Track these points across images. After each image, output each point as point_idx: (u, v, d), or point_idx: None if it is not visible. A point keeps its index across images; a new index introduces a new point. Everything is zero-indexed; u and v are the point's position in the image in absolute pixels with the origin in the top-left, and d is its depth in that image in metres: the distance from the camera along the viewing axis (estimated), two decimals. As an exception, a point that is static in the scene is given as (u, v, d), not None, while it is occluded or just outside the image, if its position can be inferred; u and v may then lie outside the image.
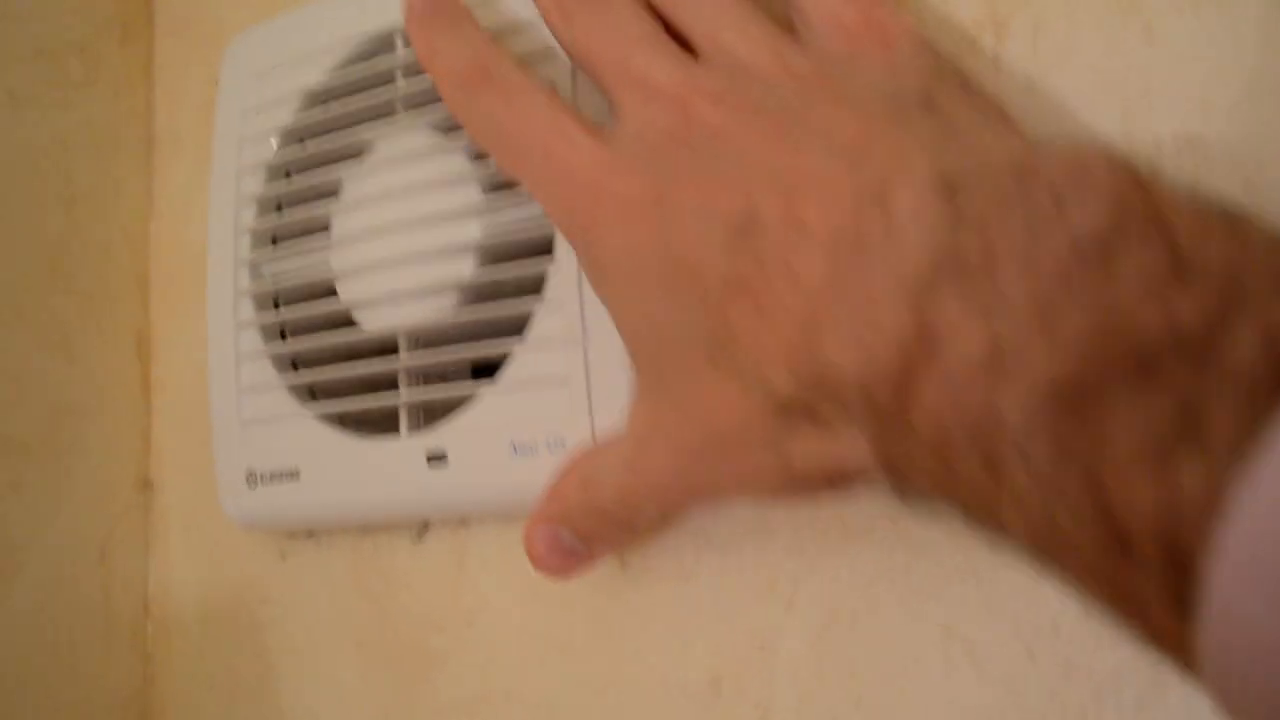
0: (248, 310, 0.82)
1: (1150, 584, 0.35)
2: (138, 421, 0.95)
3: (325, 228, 0.80)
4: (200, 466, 0.93)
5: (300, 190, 0.81)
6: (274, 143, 0.83)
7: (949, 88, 0.51)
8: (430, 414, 0.76)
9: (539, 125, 0.59)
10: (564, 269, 0.69)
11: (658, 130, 0.54)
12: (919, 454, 0.42)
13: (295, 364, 0.81)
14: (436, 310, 0.74)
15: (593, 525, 0.63)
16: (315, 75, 0.81)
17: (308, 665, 0.84)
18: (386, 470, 0.75)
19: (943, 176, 0.43)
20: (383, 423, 0.78)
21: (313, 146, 0.81)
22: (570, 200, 0.57)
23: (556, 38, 0.62)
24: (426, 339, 0.76)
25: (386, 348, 0.79)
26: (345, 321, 0.79)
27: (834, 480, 0.51)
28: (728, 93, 0.53)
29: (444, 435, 0.73)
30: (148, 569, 0.94)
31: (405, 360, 0.76)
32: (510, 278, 0.73)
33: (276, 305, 0.83)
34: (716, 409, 0.52)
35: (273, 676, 0.86)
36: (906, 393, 0.41)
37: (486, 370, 0.80)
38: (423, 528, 0.80)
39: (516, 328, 0.73)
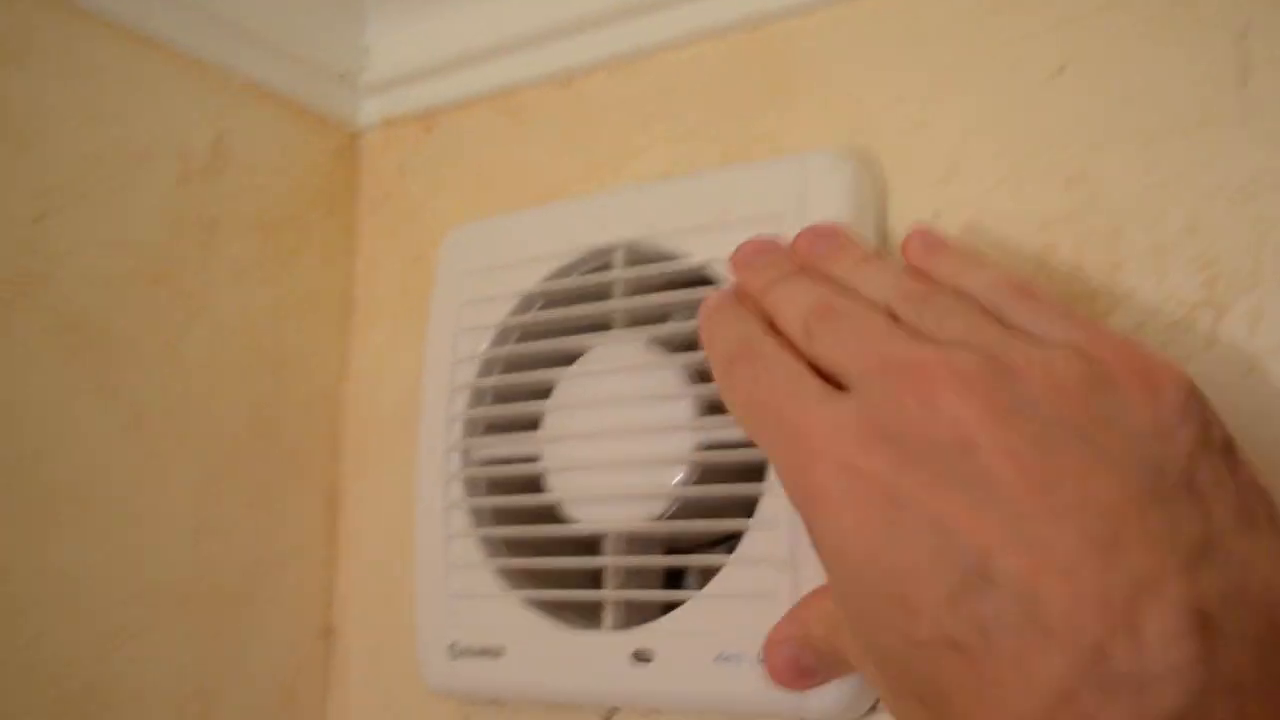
0: (458, 492, 0.88)
1: None
2: (324, 572, 1.01)
3: (536, 424, 0.86)
4: (380, 618, 0.99)
5: (513, 386, 0.88)
6: (489, 338, 0.89)
7: (1214, 463, 0.47)
8: (631, 611, 0.82)
9: (780, 390, 0.57)
10: (776, 494, 0.75)
11: (897, 407, 0.50)
12: None
13: (503, 548, 0.87)
14: (645, 515, 0.80)
15: (830, 662, 0.66)
16: (533, 279, 0.88)
17: (484, 827, 0.89)
18: (590, 661, 0.81)
19: (1198, 606, 0.41)
20: (585, 614, 0.83)
21: (527, 347, 0.87)
22: (798, 464, 0.53)
23: (808, 357, 0.59)
24: (632, 540, 0.82)
25: (592, 543, 0.85)
26: (553, 514, 0.85)
27: None
28: (978, 380, 0.48)
29: (650, 635, 0.79)
30: (326, 716, 1.00)
31: (613, 559, 0.81)
32: (721, 495, 0.79)
33: (485, 491, 0.88)
34: None
35: (448, 833, 0.91)
36: None
37: (677, 573, 0.86)
38: (611, 710, 0.85)
39: (724, 541, 0.79)
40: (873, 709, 0.75)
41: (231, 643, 0.94)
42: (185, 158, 0.94)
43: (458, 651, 0.87)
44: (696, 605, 0.77)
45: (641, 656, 0.79)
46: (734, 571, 0.76)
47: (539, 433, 0.86)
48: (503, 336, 0.89)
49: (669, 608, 0.80)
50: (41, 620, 0.83)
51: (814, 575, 0.73)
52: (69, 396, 0.86)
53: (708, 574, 0.83)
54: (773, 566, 0.74)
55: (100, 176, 0.89)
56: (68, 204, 0.86)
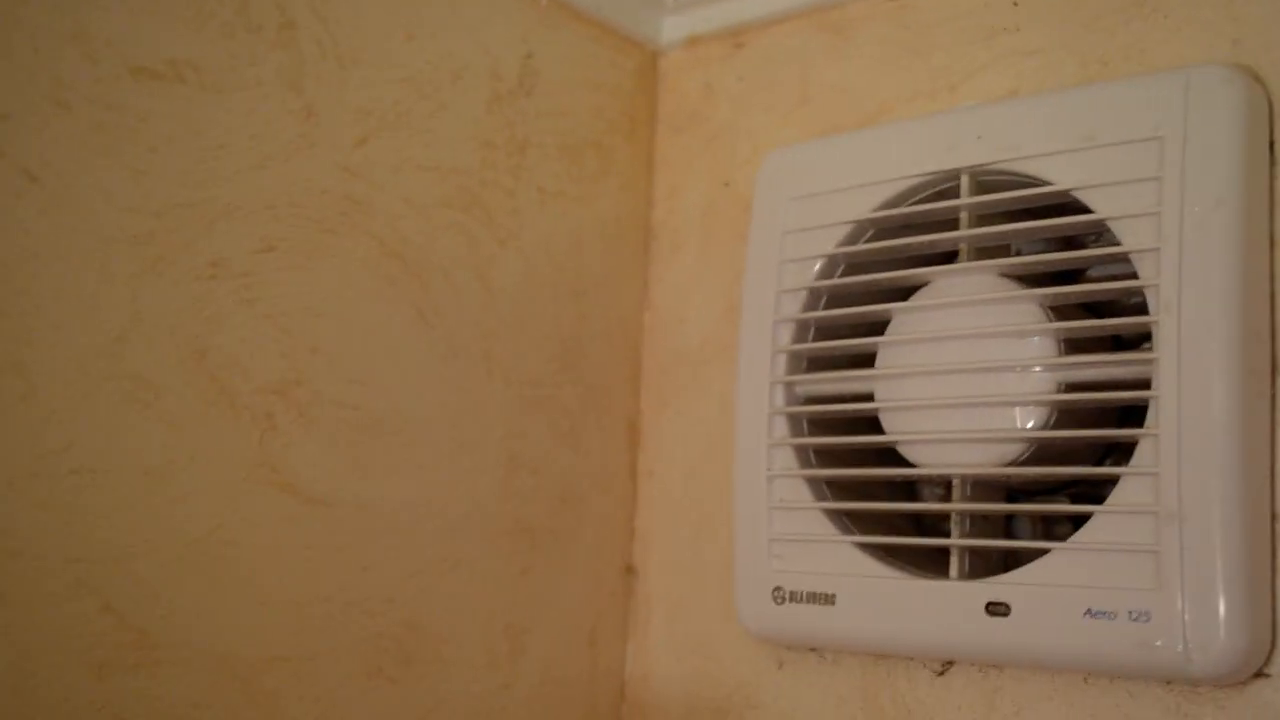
0: (781, 430, 0.84)
1: None
2: (625, 509, 0.99)
3: (866, 359, 0.81)
4: (683, 556, 0.96)
5: (842, 319, 0.83)
6: (816, 268, 0.84)
7: None
8: (975, 560, 0.77)
9: None
10: (1162, 440, 0.69)
11: None
12: None
13: (825, 490, 0.83)
14: (997, 459, 0.75)
15: None
16: (868, 206, 0.82)
17: (803, 776, 0.86)
18: (937, 611, 0.76)
19: None
20: (922, 560, 0.79)
21: (859, 279, 0.82)
22: None
23: None
24: (978, 485, 0.77)
25: (918, 486, 0.81)
26: (881, 454, 0.80)
27: None
28: None
29: (1005, 586, 0.74)
30: (626, 654, 0.98)
31: (961, 505, 0.76)
32: (1086, 438, 0.73)
33: (809, 429, 0.84)
34: None
35: (762, 781, 0.88)
36: None
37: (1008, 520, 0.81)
38: (946, 663, 0.80)
39: (1092, 489, 0.74)
40: (1259, 673, 0.69)
41: (539, 579, 0.92)
42: (496, 78, 0.91)
43: (783, 597, 0.83)
44: (1060, 557, 0.72)
45: (996, 609, 0.74)
46: (1106, 522, 0.71)
47: (873, 370, 0.81)
48: (829, 267, 0.84)
49: (1011, 557, 0.76)
50: (366, 553, 0.82)
51: (1205, 529, 0.67)
52: (389, 325, 0.84)
53: (1050, 524, 0.78)
54: (1154, 518, 0.69)
55: (418, 98, 0.86)
56: (388, 126, 0.84)
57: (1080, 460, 0.77)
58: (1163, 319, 0.70)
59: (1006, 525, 0.81)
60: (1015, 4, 0.83)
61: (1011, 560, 0.76)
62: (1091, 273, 0.78)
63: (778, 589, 0.83)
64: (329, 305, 0.81)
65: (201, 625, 0.74)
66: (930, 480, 0.81)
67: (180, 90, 0.75)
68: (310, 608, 0.79)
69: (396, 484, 0.84)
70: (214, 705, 0.74)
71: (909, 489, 0.85)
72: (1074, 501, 0.78)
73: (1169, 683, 0.71)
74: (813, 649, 0.86)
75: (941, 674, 0.81)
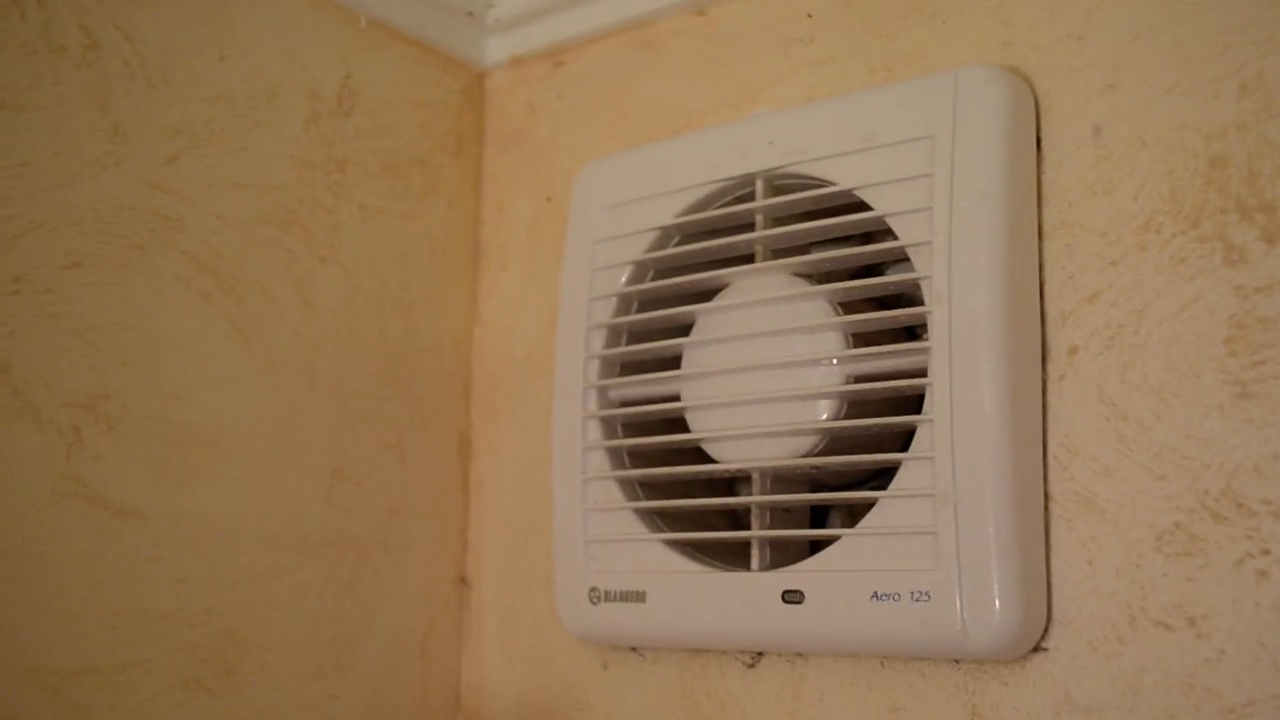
0: (595, 433, 0.86)
1: None
2: (457, 520, 1.00)
3: (676, 360, 0.83)
4: (514, 565, 0.97)
5: (652, 323, 0.85)
6: (626, 275, 0.86)
7: None
8: (777, 551, 0.79)
9: None
10: (936, 426, 0.71)
11: None
12: None
13: (642, 489, 0.85)
14: (793, 451, 0.77)
15: None
16: (671, 212, 0.85)
17: (627, 775, 0.87)
18: (739, 602, 0.78)
19: None
20: (730, 554, 0.81)
21: (665, 283, 0.84)
22: None
23: None
24: (778, 478, 0.79)
25: (731, 484, 0.83)
26: (694, 454, 0.82)
27: None
28: None
29: (801, 574, 0.76)
30: (460, 664, 0.99)
31: (760, 498, 0.78)
32: (874, 428, 0.75)
33: (623, 432, 0.86)
34: None
35: (589, 782, 0.89)
36: None
37: (820, 512, 0.83)
38: (756, 655, 0.82)
39: (873, 478, 0.76)
40: (1035, 649, 0.71)
41: (367, 591, 0.93)
42: (313, 98, 0.92)
43: (598, 597, 0.84)
44: (849, 543, 0.74)
45: (791, 597, 0.76)
46: (889, 507, 0.73)
47: (678, 371, 0.83)
48: (639, 273, 0.87)
49: (816, 547, 0.78)
50: (182, 564, 0.82)
51: (979, 510, 0.69)
52: (203, 340, 0.85)
53: (856, 511, 0.80)
54: (932, 501, 0.71)
55: (231, 116, 0.87)
56: (199, 145, 0.85)
57: (883, 450, 0.79)
58: (935, 310, 0.72)
59: (820, 518, 0.84)
60: (809, 16, 0.86)
61: (814, 551, 0.78)
62: (889, 269, 0.81)
63: (594, 589, 0.85)
64: (139, 320, 0.81)
65: (3, 637, 0.74)
66: (732, 476, 0.82)
67: (-21, 110, 0.76)
68: (122, 619, 0.79)
69: (214, 496, 0.84)
70: (18, 717, 0.74)
71: (729, 486, 0.87)
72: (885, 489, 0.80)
73: (957, 661, 0.74)
74: (633, 648, 0.88)
75: (752, 666, 0.82)
